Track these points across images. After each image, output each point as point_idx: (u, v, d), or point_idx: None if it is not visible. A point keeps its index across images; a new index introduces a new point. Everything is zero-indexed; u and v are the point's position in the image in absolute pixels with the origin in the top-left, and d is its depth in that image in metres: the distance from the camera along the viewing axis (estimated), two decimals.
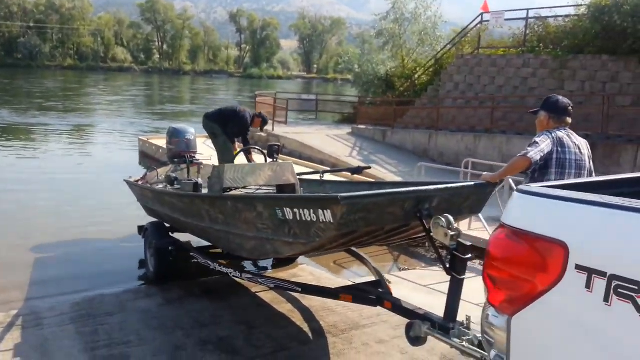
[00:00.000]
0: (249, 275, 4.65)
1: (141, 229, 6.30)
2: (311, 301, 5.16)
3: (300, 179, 5.29)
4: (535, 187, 1.95)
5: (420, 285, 5.89)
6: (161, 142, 13.75)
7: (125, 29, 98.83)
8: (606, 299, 1.54)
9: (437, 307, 3.61)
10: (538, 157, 3.46)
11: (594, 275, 1.57)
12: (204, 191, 5.15)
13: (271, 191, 5.30)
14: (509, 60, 14.63)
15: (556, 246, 1.68)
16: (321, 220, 3.16)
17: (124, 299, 5.22)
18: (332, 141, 14.90)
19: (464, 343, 3.00)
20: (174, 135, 7.12)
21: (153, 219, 6.34)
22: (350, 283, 5.92)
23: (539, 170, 3.56)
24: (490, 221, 7.06)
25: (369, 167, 6.79)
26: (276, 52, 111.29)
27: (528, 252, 1.78)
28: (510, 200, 1.98)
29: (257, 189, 5.37)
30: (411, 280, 6.11)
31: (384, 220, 3.30)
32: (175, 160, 7.05)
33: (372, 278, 5.22)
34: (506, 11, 15.69)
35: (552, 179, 3.54)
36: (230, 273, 4.76)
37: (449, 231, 3.10)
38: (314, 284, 5.37)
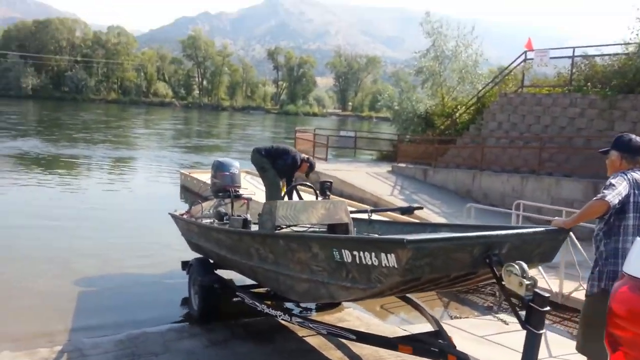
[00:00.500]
0: (299, 320, 4.42)
1: (185, 264, 6.19)
2: (362, 349, 4.89)
3: None
4: None
5: (476, 336, 5.55)
6: (202, 176, 13.86)
7: (167, 64, 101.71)
8: None
9: None
10: (616, 201, 3.20)
11: None
12: (254, 228, 5.02)
13: (322, 230, 5.10)
14: (554, 100, 14.28)
15: None
16: (384, 265, 2.95)
17: (168, 338, 5.06)
18: (372, 179, 14.71)
19: None
20: (220, 169, 7.06)
21: (198, 255, 6.23)
22: (401, 331, 5.64)
23: (615, 215, 3.30)
24: (546, 269, 6.70)
25: (421, 208, 6.53)
26: (312, 89, 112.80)
27: None
28: (633, 247, 1.74)
29: (309, 228, 5.18)
30: (464, 329, 5.76)
31: (450, 267, 3.07)
32: (220, 194, 6.99)
33: (427, 326, 4.94)
34: (551, 49, 15.44)
35: (630, 224, 3.29)
36: (279, 316, 4.55)
37: (524, 280, 2.87)
38: (364, 330, 5.11)
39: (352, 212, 5.97)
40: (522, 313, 3.12)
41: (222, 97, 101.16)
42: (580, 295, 6.64)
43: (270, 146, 7.00)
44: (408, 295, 4.88)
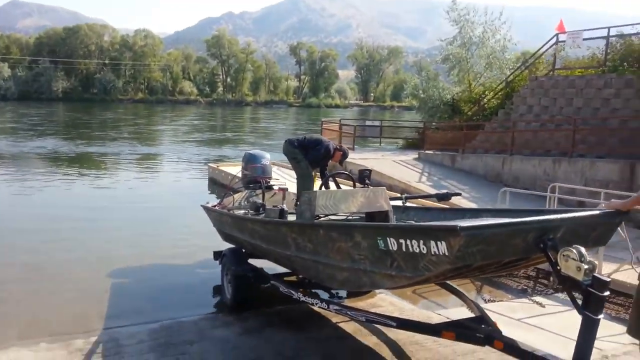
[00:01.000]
0: (337, 307, 4.34)
1: (217, 255, 6.19)
2: (397, 334, 4.79)
3: None
4: None
5: (512, 319, 5.41)
6: (230, 169, 13.91)
7: (192, 63, 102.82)
8: None
9: (536, 344, 3.21)
10: None
11: None
12: (290, 218, 4.95)
13: (360, 218, 4.98)
14: (588, 81, 13.84)
15: None
16: (433, 253, 2.85)
17: (202, 327, 5.06)
18: (400, 167, 14.55)
19: None
20: (251, 161, 7.03)
21: (230, 245, 6.21)
22: (436, 316, 5.53)
23: None
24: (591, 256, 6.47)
25: (459, 194, 6.35)
26: (334, 82, 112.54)
27: None
28: None
29: (347, 217, 5.07)
30: (500, 312, 5.61)
31: (503, 253, 2.96)
32: (251, 185, 6.96)
33: (462, 310, 4.82)
34: (584, 30, 14.96)
35: None
36: (316, 304, 4.48)
37: (583, 265, 2.72)
38: (398, 316, 5.00)
39: None
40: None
41: (246, 93, 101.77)
42: (620, 276, 6.44)
43: (302, 137, 6.93)
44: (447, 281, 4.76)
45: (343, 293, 6.22)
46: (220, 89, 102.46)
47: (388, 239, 3.13)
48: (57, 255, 7.89)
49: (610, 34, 14.36)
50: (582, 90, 13.88)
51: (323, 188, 5.48)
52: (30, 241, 8.56)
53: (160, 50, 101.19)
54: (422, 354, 4.44)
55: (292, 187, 7.12)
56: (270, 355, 4.37)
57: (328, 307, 4.37)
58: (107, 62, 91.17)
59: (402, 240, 3.04)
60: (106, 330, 5.16)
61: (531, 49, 24.50)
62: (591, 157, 11.72)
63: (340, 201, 4.23)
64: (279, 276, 5.57)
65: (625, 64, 13.37)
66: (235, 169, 13.60)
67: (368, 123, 23.52)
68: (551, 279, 6.80)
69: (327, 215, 4.46)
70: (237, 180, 7.07)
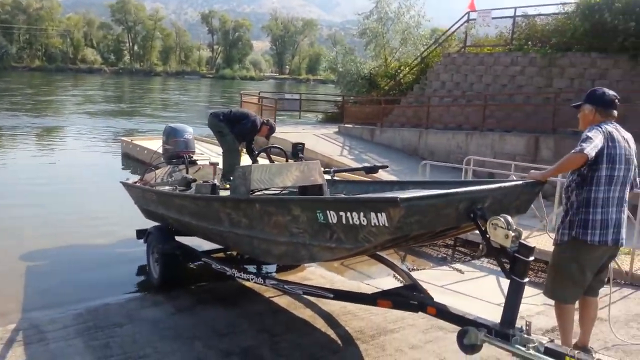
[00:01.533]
0: (273, 282, 4.33)
1: (141, 233, 5.95)
2: (330, 306, 4.90)
3: None
4: None
5: (436, 286, 5.68)
6: (146, 142, 13.31)
7: (95, 29, 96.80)
8: None
9: (462, 308, 3.41)
10: (594, 153, 3.26)
11: None
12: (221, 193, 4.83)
13: (293, 192, 4.97)
14: (496, 59, 14.62)
15: None
16: (373, 224, 2.89)
17: (130, 308, 4.87)
18: (322, 140, 14.66)
19: (531, 351, 2.79)
20: (172, 135, 6.79)
21: (154, 223, 5.98)
22: (365, 285, 5.70)
23: (588, 166, 3.36)
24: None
25: (386, 167, 6.51)
26: (248, 53, 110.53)
27: None
28: None
29: (281, 191, 5.04)
30: (424, 280, 5.84)
31: (437, 223, 3.07)
32: (174, 160, 6.72)
33: (389, 280, 4.99)
34: (493, 9, 15.71)
35: (603, 174, 3.37)
36: (252, 279, 4.44)
37: (510, 232, 2.90)
38: (328, 286, 5.09)
39: None
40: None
41: (155, 63, 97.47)
42: (532, 242, 6.96)
43: (228, 110, 6.77)
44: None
45: (271, 268, 6.24)
46: (126, 58, 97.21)
47: (327, 211, 3.13)
48: None
49: (517, 13, 15.20)
50: (491, 67, 14.65)
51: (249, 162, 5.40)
52: None
53: (59, 14, 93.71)
54: (356, 323, 4.57)
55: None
56: (204, 332, 4.30)
57: (264, 282, 4.35)
58: None
59: (342, 213, 3.05)
60: (25, 316, 4.83)
61: (442, 27, 25.41)
62: (500, 132, 12.48)
63: (276, 175, 4.18)
64: (207, 253, 5.47)
65: (529, 42, 14.22)
66: (151, 143, 13.08)
67: (287, 96, 23.36)
68: (480, 247, 7.19)
69: (261, 190, 4.41)
70: (158, 155, 6.80)
